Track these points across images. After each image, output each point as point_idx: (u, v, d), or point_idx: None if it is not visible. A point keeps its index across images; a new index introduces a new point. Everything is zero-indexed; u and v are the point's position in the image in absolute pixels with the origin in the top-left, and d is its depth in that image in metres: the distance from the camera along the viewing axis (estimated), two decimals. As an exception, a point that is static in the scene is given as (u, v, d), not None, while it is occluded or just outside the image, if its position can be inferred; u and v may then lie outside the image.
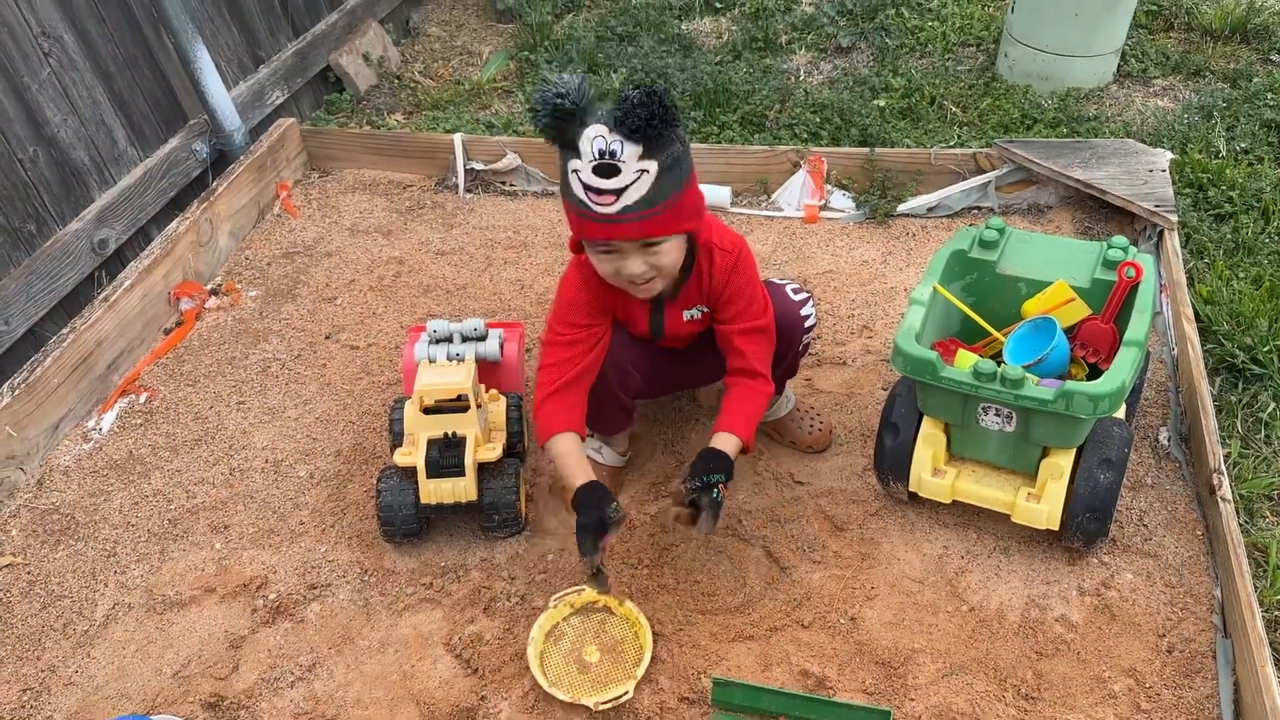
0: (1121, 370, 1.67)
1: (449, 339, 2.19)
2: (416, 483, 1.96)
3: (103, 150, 2.91)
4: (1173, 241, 2.42)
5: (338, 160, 3.42)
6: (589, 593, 1.85)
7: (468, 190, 3.21)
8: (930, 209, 2.86)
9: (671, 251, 1.76)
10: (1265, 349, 2.24)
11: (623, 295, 1.87)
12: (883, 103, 3.42)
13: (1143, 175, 2.62)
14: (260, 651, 1.90)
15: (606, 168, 1.62)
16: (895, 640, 1.80)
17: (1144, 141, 2.97)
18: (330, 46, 3.86)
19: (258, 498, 2.21)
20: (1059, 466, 1.79)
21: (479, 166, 3.21)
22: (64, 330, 2.53)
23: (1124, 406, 1.96)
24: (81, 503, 2.25)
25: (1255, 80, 3.24)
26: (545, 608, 1.86)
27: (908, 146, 3.03)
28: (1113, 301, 1.86)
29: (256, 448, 2.34)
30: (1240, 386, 2.21)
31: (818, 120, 3.30)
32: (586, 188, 1.64)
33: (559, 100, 1.60)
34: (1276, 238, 2.57)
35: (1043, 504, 1.80)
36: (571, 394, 1.86)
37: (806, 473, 2.15)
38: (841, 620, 1.85)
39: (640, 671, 1.74)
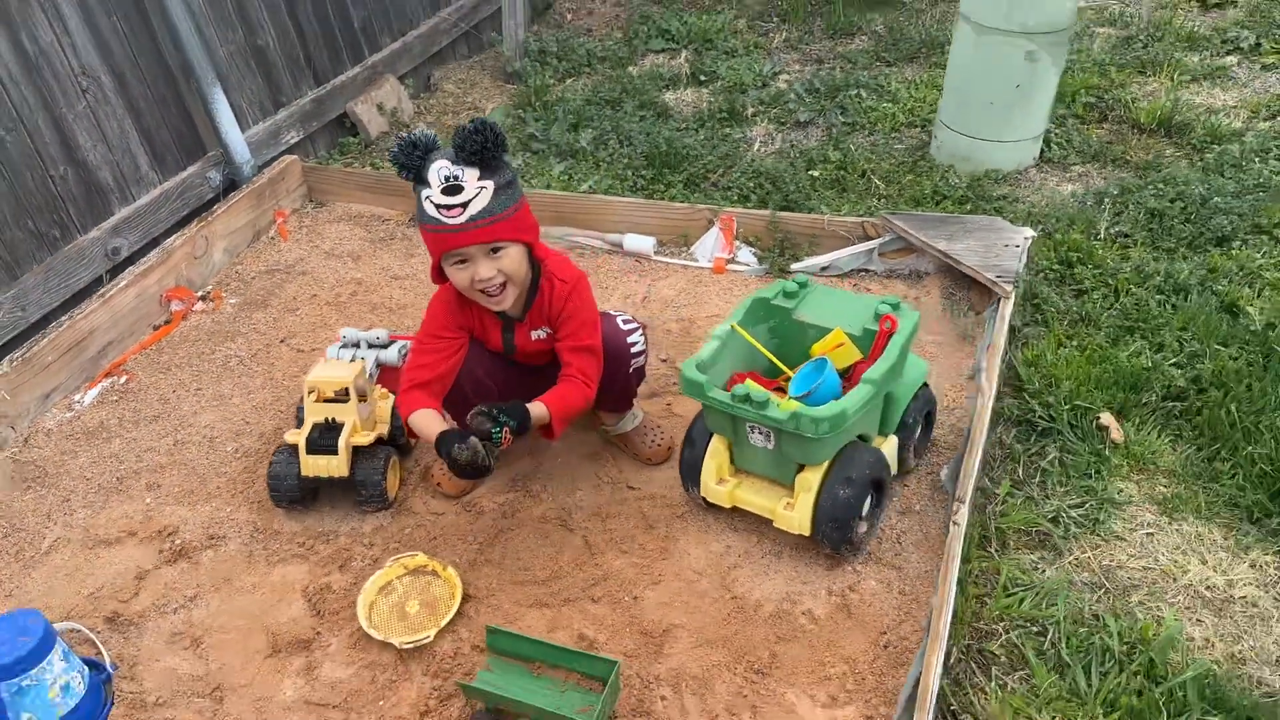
0: (845, 401, 1.99)
1: (356, 344, 2.63)
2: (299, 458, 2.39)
3: (126, 173, 3.45)
4: (1005, 309, 2.72)
5: (333, 194, 3.92)
6: (420, 557, 2.23)
7: (434, 226, 3.66)
8: (823, 268, 3.20)
9: (515, 258, 2.16)
10: (1065, 407, 2.52)
11: (479, 313, 2.28)
12: (817, 173, 3.77)
13: (997, 250, 2.93)
14: (158, 584, 2.33)
15: (452, 188, 2.04)
16: (663, 617, 2.13)
17: (1035, 222, 3.26)
18: (349, 96, 4.39)
19: (189, 465, 2.66)
20: (808, 480, 2.11)
21: (445, 206, 3.66)
22: (63, 318, 3.04)
23: (894, 439, 2.27)
24: (54, 459, 2.73)
25: (1160, 172, 3.50)
26: (383, 566, 2.25)
27: (821, 213, 3.36)
28: (876, 347, 2.18)
29: (199, 425, 2.79)
30: (1032, 438, 2.49)
31: (751, 185, 3.67)
32: (437, 206, 2.06)
33: (411, 144, 2.04)
34: (1118, 313, 2.84)
35: (795, 512, 2.13)
36: (428, 391, 2.26)
37: (640, 480, 2.50)
38: (626, 598, 2.19)
39: (443, 623, 2.11)
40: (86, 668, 2.00)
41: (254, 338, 3.15)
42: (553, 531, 2.37)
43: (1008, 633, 2.03)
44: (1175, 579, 2.14)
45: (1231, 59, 4.36)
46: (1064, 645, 1.98)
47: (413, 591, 2.22)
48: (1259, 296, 2.84)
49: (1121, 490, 2.36)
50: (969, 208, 3.44)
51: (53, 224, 3.21)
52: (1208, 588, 2.12)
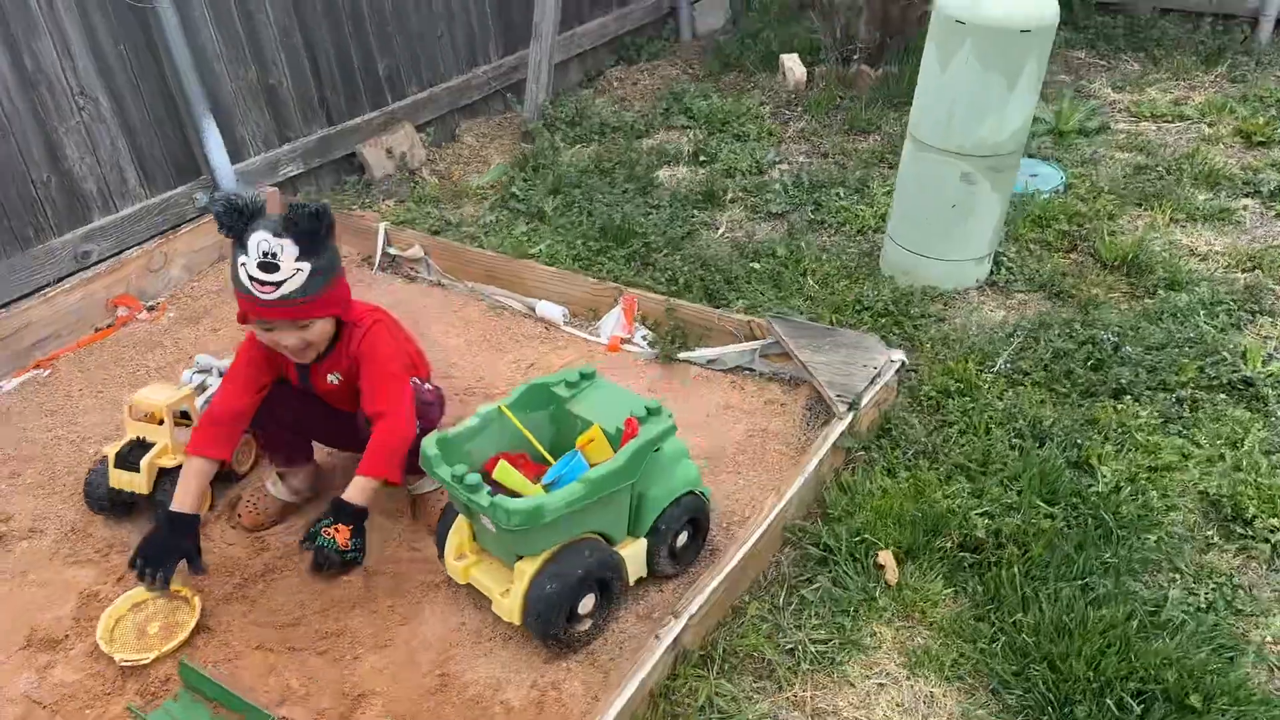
0: (546, 496, 2.03)
1: (208, 371, 2.81)
2: (111, 470, 2.58)
3: (112, 186, 3.79)
4: (832, 429, 2.67)
5: (307, 227, 4.17)
6: (175, 581, 2.37)
7: (380, 269, 3.86)
8: (709, 361, 3.21)
9: (319, 329, 2.31)
10: (852, 539, 2.45)
11: (282, 355, 2.42)
12: (758, 266, 3.78)
13: (856, 369, 2.87)
14: (-28, 561, 2.55)
15: (268, 265, 2.19)
16: (368, 682, 2.19)
17: (943, 347, 3.17)
18: (362, 137, 4.67)
19: (54, 460, 2.90)
20: (522, 570, 2.15)
21: (394, 251, 3.86)
22: (2, 309, 3.37)
23: (643, 542, 2.27)
24: (-45, 434, 3.02)
25: (1094, 311, 3.35)
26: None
27: (727, 306, 3.38)
28: (622, 446, 2.20)
29: (83, 426, 3.04)
30: (809, 565, 2.44)
31: (686, 269, 3.71)
32: (251, 278, 2.21)
33: (228, 206, 2.19)
34: (962, 452, 2.74)
35: (508, 600, 2.16)
36: (222, 426, 2.41)
37: (426, 543, 2.57)
38: (348, 657, 2.26)
39: (165, 649, 2.23)
40: None
41: (172, 351, 3.40)
42: (317, 580, 2.46)
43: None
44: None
45: (1247, 201, 4.12)
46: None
47: (161, 613, 2.35)
48: (1118, 456, 2.68)
49: (875, 634, 2.28)
50: (884, 321, 3.37)
51: (27, 224, 3.55)
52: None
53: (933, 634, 2.28)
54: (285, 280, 2.20)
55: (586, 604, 2.20)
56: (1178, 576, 2.36)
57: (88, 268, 3.68)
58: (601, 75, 5.89)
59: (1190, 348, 3.11)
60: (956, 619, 2.29)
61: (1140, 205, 4.09)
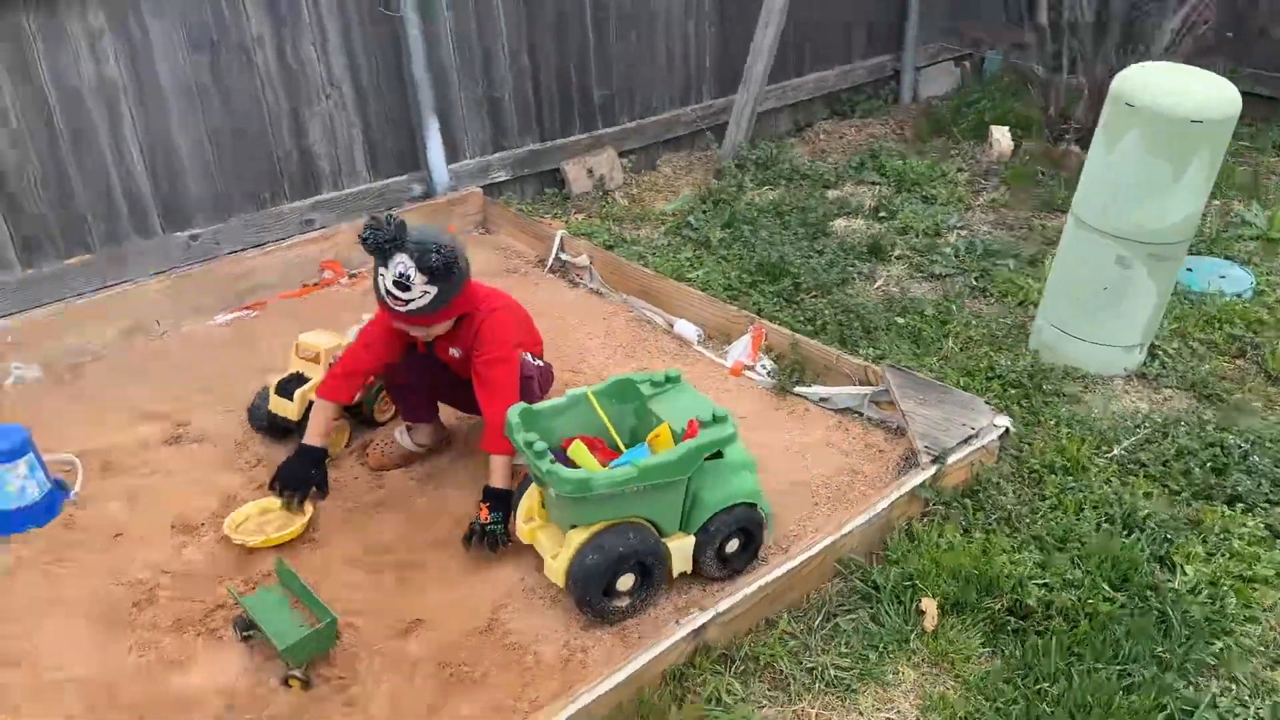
0: (595, 473, 2.24)
1: (370, 328, 3.21)
2: (273, 397, 3.02)
3: (343, 166, 4.36)
4: (917, 477, 2.73)
5: (500, 225, 4.61)
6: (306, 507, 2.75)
7: (550, 271, 4.22)
8: (821, 399, 3.32)
9: (441, 326, 2.67)
10: (900, 582, 2.51)
11: None
12: (902, 321, 3.85)
13: (954, 426, 2.90)
14: (147, 452, 3.05)
15: (402, 284, 2.56)
16: (429, 613, 2.47)
17: (1067, 426, 3.14)
18: (567, 155, 5.09)
19: (236, 385, 3.37)
20: (571, 539, 2.36)
21: (565, 257, 4.21)
22: (196, 237, 3.94)
23: (690, 539, 2.44)
24: (167, 349, 3.59)
25: (1236, 416, 3.20)
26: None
27: (856, 352, 3.47)
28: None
29: (269, 360, 3.51)
30: (854, 598, 2.51)
31: (830, 313, 3.83)
32: (387, 291, 2.59)
33: (378, 232, 2.56)
34: (1043, 525, 2.72)
35: (556, 563, 2.39)
36: (346, 379, 2.79)
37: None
38: (418, 588, 2.55)
39: (271, 538, 2.61)
40: (52, 485, 2.72)
41: (357, 313, 3.85)
42: (416, 521, 2.78)
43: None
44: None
45: None
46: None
47: (280, 519, 2.73)
48: (1209, 560, 2.58)
49: (898, 673, 2.33)
50: (1013, 392, 3.36)
51: (266, 188, 4.16)
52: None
53: (956, 685, 2.30)
54: (414, 299, 2.56)
55: (625, 582, 2.38)
56: (1232, 686, 2.26)
57: (307, 233, 4.23)
58: (811, 127, 6.07)
59: (1335, 471, 2.92)
60: (984, 677, 2.30)
61: (1333, 321, 3.82)
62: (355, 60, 4.25)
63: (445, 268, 2.52)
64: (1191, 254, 4.17)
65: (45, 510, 2.77)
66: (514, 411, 2.45)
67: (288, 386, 2.98)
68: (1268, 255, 4.35)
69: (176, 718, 2.20)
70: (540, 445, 2.33)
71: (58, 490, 2.84)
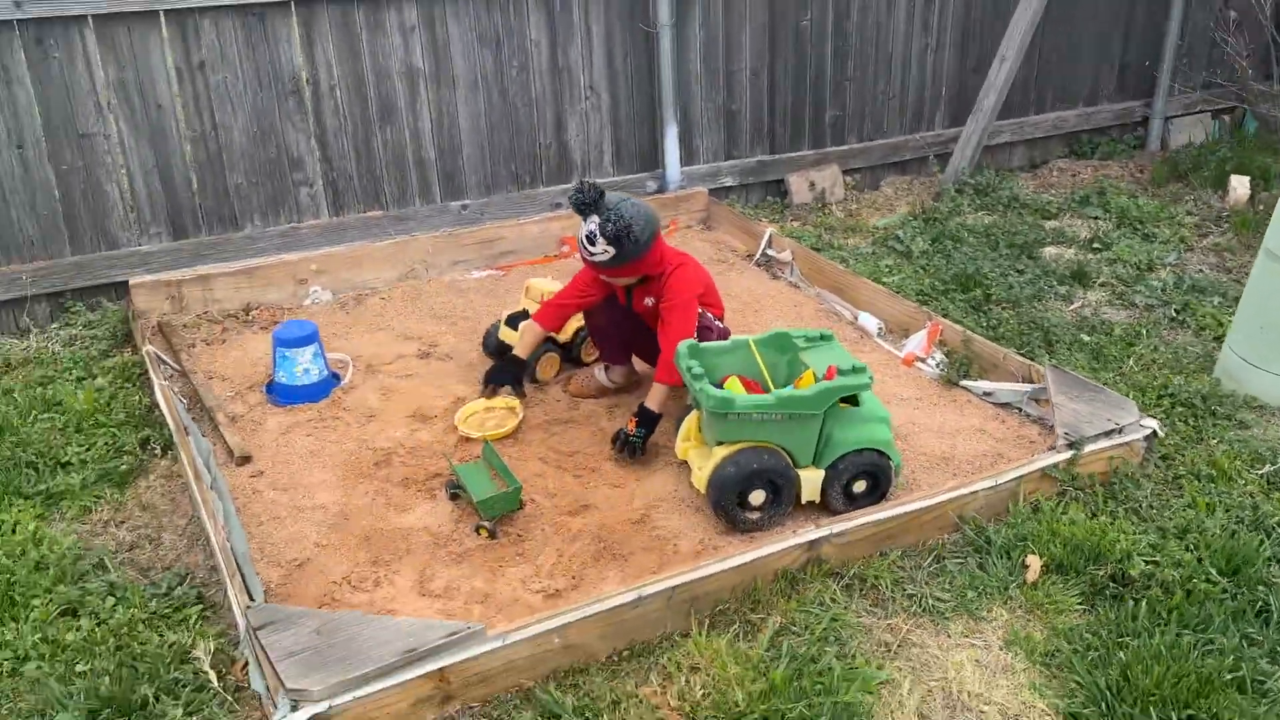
0: (738, 395, 2.67)
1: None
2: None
3: (592, 160, 5.03)
4: (1050, 457, 2.96)
5: (720, 223, 5.11)
6: (514, 401, 3.35)
7: (757, 264, 4.68)
8: (984, 393, 3.58)
9: (626, 280, 3.21)
10: (1012, 540, 2.76)
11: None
12: (1088, 339, 4.00)
13: (1098, 421, 3.07)
14: (399, 361, 3.76)
15: (590, 240, 3.14)
16: (596, 502, 2.98)
17: (1229, 446, 3.23)
18: (792, 168, 5.54)
19: (478, 322, 4.05)
20: (715, 454, 2.79)
21: (770, 253, 4.66)
22: (490, 225, 4.68)
23: (821, 472, 2.81)
24: (423, 292, 4.35)
25: None
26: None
27: (1030, 358, 3.68)
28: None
29: (507, 307, 4.18)
30: (964, 548, 2.79)
31: (1015, 323, 4.05)
32: (582, 243, 3.18)
33: (580, 194, 3.14)
34: (1169, 517, 2.87)
35: (700, 474, 2.83)
36: (557, 311, 3.38)
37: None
38: (591, 484, 3.07)
39: (487, 433, 3.21)
40: (328, 374, 3.47)
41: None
42: (597, 437, 3.30)
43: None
44: (939, 672, 2.39)
45: None
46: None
47: (497, 417, 3.34)
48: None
49: (991, 612, 2.59)
50: (1180, 410, 3.46)
51: (525, 173, 4.88)
52: (959, 691, 2.35)
53: (1043, 629, 2.52)
54: (597, 254, 3.11)
55: (757, 497, 2.78)
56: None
57: (555, 213, 4.91)
58: (1045, 164, 6.18)
59: None
60: (1072, 628, 2.51)
61: None
62: (614, 67, 4.90)
63: (616, 236, 3.03)
64: None
65: (320, 390, 3.52)
66: (684, 344, 2.92)
67: (515, 320, 3.60)
68: None
69: (393, 544, 2.81)
70: (699, 370, 2.78)
71: (331, 379, 3.59)
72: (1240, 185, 5.31)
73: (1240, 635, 2.43)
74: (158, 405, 3.38)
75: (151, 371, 3.50)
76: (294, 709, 2.07)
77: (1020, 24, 5.41)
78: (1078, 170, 6.03)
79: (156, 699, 2.28)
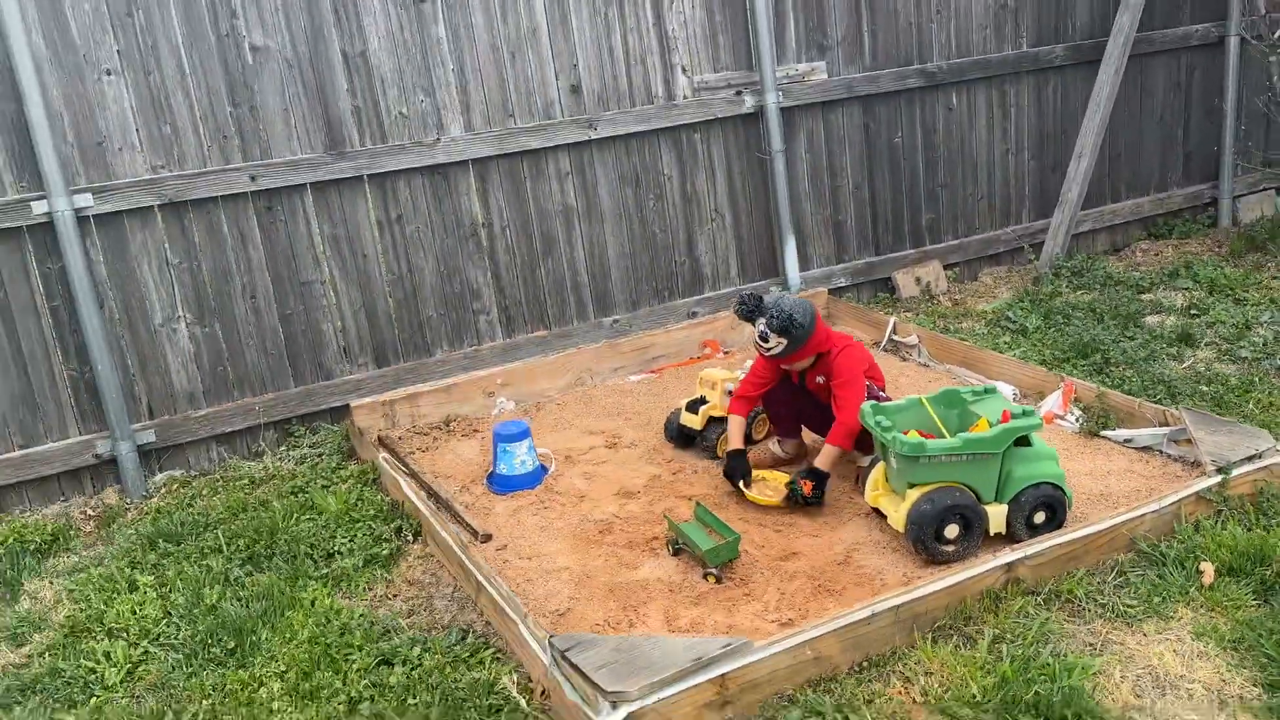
0: (927, 441, 3.14)
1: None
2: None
3: (720, 272, 5.64)
4: (1202, 482, 3.36)
5: (841, 316, 5.62)
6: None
7: (884, 350, 5.18)
8: (1125, 440, 3.99)
9: (803, 363, 3.74)
10: (1184, 552, 3.14)
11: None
12: (1207, 389, 4.41)
13: (1240, 449, 3.46)
14: (591, 453, 4.28)
15: (763, 338, 3.70)
16: (801, 549, 3.42)
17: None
18: (897, 266, 6.09)
19: (650, 417, 4.57)
20: (909, 495, 3.23)
21: (896, 338, 5.16)
22: (641, 335, 5.26)
23: (1004, 506, 3.23)
24: (591, 396, 4.90)
25: None
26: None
27: (1162, 404, 4.10)
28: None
29: (670, 402, 4.70)
30: (1141, 563, 3.17)
31: (1137, 381, 4.48)
32: (755, 342, 3.74)
33: (744, 305, 3.73)
34: (1324, 525, 3.22)
35: (897, 513, 3.27)
36: (746, 402, 3.89)
37: (857, 496, 3.76)
38: (793, 535, 3.52)
39: (754, 498, 3.67)
40: (539, 463, 4.01)
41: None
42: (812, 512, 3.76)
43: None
44: (1143, 661, 2.75)
45: None
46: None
47: (759, 488, 3.78)
48: None
49: (1177, 613, 2.95)
50: (1301, 437, 3.83)
51: (665, 288, 5.49)
52: (1165, 674, 2.71)
53: (1227, 621, 2.88)
54: (772, 348, 3.65)
55: (951, 531, 3.20)
56: None
57: (693, 320, 5.48)
58: (1128, 247, 6.67)
59: None
60: (1253, 619, 2.87)
61: None
62: (734, 191, 5.55)
63: (784, 328, 3.57)
64: None
65: (534, 479, 4.04)
66: (868, 404, 3.41)
67: (694, 405, 4.12)
68: None
69: (635, 593, 3.26)
70: (886, 421, 3.25)
71: (541, 468, 4.11)
72: (1319, 248, 5.73)
73: (1407, 613, 2.76)
74: (399, 503, 3.92)
75: (392, 471, 4.04)
76: (614, 708, 2.51)
77: (1092, 124, 6.00)
78: (1159, 250, 6.50)
79: (483, 718, 2.72)
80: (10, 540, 3.97)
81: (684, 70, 5.31)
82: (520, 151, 4.96)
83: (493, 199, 4.97)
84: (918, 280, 6.04)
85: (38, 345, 4.28)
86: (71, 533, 4.11)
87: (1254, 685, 2.65)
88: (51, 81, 4.13)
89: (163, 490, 4.41)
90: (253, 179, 4.49)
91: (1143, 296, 5.63)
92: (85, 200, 4.21)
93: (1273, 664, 2.67)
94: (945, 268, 6.17)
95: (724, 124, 5.48)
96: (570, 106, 5.05)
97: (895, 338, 5.17)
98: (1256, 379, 4.42)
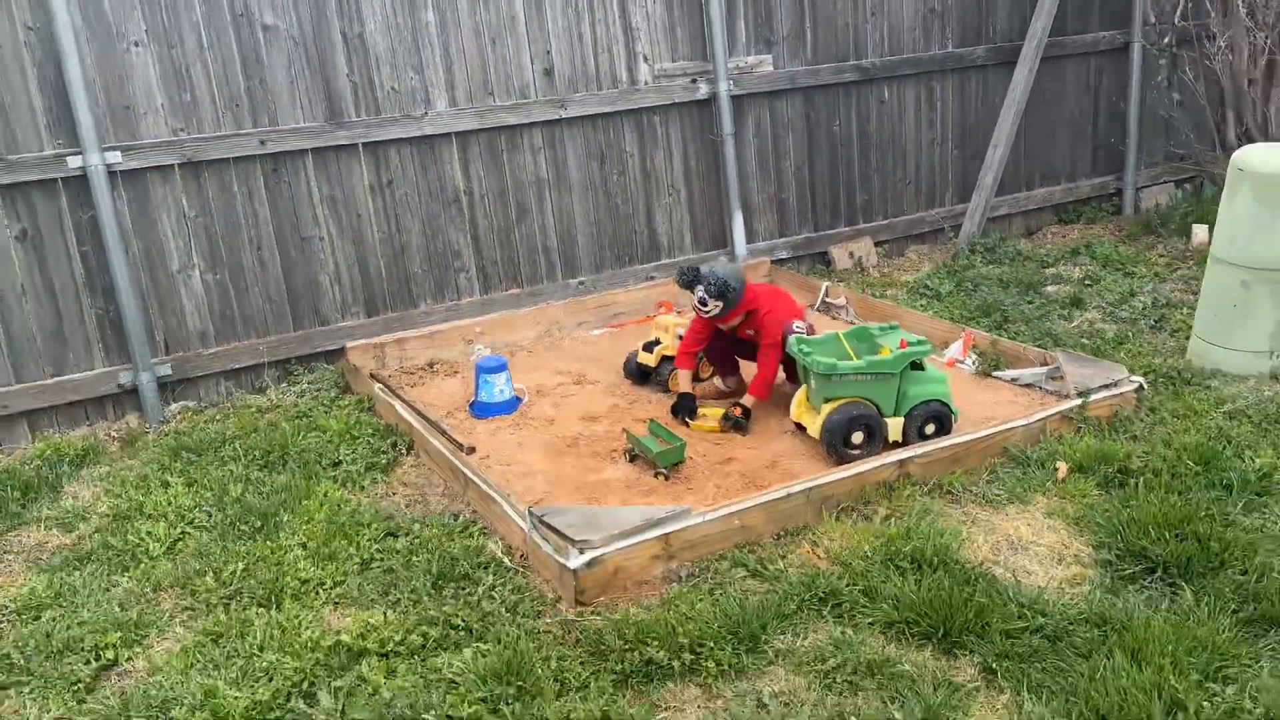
0: (842, 363, 3.83)
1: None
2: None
3: (675, 242, 6.31)
4: (1065, 404, 4.09)
5: (782, 283, 6.30)
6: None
7: (818, 310, 5.89)
8: (1012, 379, 4.72)
9: (735, 320, 4.43)
10: (1047, 457, 3.87)
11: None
12: (1087, 342, 5.16)
13: (1100, 379, 4.21)
14: (559, 389, 4.94)
15: (701, 303, 4.37)
16: (736, 455, 4.10)
17: (1193, 392, 4.35)
18: (833, 242, 6.81)
19: (610, 360, 5.23)
20: (824, 409, 3.93)
21: (828, 300, 5.87)
22: (606, 292, 5.93)
23: (900, 419, 3.94)
24: (557, 345, 5.55)
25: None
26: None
27: (1042, 347, 4.83)
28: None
29: (628, 350, 5.35)
30: (1010, 464, 3.89)
31: (1029, 335, 5.22)
32: (695, 307, 4.41)
33: (683, 274, 4.41)
34: (1160, 430, 3.97)
35: (814, 426, 3.96)
36: (690, 357, 4.57)
37: (785, 423, 4.45)
38: (730, 446, 4.20)
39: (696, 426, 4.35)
40: (514, 394, 4.65)
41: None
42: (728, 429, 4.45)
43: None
44: (1002, 532, 3.46)
45: None
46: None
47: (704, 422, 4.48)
48: (1273, 457, 3.74)
49: (1034, 499, 3.67)
50: (1163, 380, 4.59)
51: (625, 255, 6.15)
52: (1017, 539, 3.42)
53: (1073, 506, 3.61)
54: (710, 310, 4.33)
55: (857, 437, 3.90)
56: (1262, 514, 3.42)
57: (651, 283, 6.15)
58: (1040, 230, 7.45)
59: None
60: (1094, 504, 3.59)
61: None
62: (689, 169, 6.23)
63: (720, 292, 4.26)
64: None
65: (511, 406, 4.68)
66: (794, 337, 4.10)
67: (650, 346, 4.80)
68: None
69: (599, 489, 3.92)
70: (807, 347, 3.95)
71: (516, 398, 4.76)
72: (1201, 231, 6.55)
73: (1212, 497, 3.51)
74: (393, 425, 4.54)
75: (386, 398, 4.67)
76: (581, 553, 3.17)
77: (1007, 117, 6.77)
78: (1066, 233, 7.30)
79: (472, 573, 3.37)
80: (48, 453, 4.53)
81: (645, 59, 5.97)
82: (499, 127, 5.59)
83: (473, 169, 5.60)
84: (851, 254, 6.77)
85: (69, 285, 4.84)
86: (100, 449, 4.67)
87: (1087, 547, 3.38)
88: (86, 51, 4.68)
89: (178, 417, 4.98)
90: (261, 143, 5.08)
91: (1046, 270, 6.40)
92: (115, 157, 4.77)
93: (1103, 532, 3.40)
94: (876, 244, 6.90)
95: (681, 108, 6.14)
96: (544, 88, 5.69)
97: (827, 300, 5.88)
98: (1130, 334, 5.19)
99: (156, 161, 4.89)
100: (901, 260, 6.89)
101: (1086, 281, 6.10)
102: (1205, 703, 2.56)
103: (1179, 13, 6.61)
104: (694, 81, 6.08)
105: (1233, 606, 2.95)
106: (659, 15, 5.94)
